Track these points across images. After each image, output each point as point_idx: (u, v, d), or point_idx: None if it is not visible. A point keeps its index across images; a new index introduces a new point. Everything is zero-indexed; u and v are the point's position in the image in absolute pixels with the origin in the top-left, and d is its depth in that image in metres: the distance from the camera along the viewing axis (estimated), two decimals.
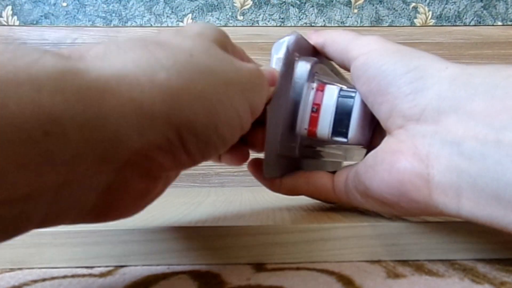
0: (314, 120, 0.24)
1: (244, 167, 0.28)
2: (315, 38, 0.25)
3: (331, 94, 0.23)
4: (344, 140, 0.24)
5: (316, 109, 0.24)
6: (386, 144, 0.20)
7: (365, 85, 0.21)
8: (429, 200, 0.18)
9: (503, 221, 0.16)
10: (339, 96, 0.23)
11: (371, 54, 0.21)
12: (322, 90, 0.24)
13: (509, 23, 0.75)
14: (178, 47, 0.16)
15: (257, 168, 0.26)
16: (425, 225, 0.21)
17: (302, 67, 0.24)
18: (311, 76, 0.24)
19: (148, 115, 0.14)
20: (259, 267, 0.20)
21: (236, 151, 0.26)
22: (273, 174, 0.25)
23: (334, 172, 0.25)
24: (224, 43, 0.19)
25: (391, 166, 0.19)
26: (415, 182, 0.18)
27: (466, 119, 0.17)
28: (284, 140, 0.24)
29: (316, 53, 0.26)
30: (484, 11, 0.75)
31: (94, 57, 0.14)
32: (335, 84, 0.24)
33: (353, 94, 0.23)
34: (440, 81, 0.18)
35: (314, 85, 0.24)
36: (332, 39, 0.24)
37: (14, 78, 0.11)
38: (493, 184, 0.16)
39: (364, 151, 0.26)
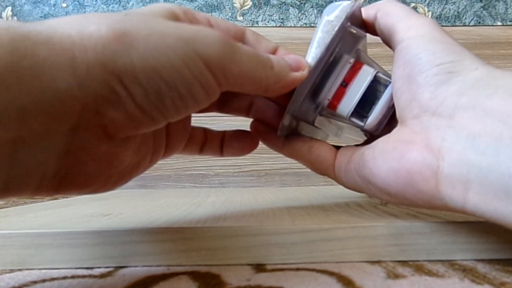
0: (339, 94, 0.23)
1: (244, 168, 0.28)
2: (367, 9, 0.25)
3: (365, 75, 0.23)
4: (361, 124, 0.24)
5: (345, 84, 0.23)
6: (398, 133, 0.21)
7: (400, 69, 0.21)
8: (436, 192, 0.18)
9: (509, 216, 0.16)
10: (373, 80, 0.23)
11: (416, 40, 0.21)
12: (359, 68, 0.23)
13: (509, 23, 0.75)
14: (115, 13, 0.17)
15: (259, 127, 0.26)
16: (425, 225, 0.21)
17: (349, 39, 0.23)
18: (354, 50, 0.23)
19: (83, 63, 0.14)
20: (259, 267, 0.20)
21: (242, 137, 0.26)
22: (284, 133, 0.25)
23: (337, 147, 0.25)
24: (180, 16, 0.19)
25: (401, 155, 0.19)
26: (424, 173, 0.18)
27: (482, 116, 0.17)
28: (305, 103, 0.23)
29: (363, 27, 0.25)
30: (484, 11, 0.75)
31: (29, 22, 0.15)
32: (373, 67, 0.23)
33: (385, 83, 0.23)
34: (465, 80, 0.19)
35: (352, 60, 0.23)
36: (385, 11, 0.23)
37: None
38: (503, 179, 0.16)
39: (357, 138, 0.26)
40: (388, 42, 0.24)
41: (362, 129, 0.24)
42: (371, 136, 0.25)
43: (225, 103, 0.26)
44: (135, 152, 0.19)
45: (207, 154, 0.26)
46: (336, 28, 0.22)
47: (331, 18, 0.22)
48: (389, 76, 0.23)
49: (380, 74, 0.23)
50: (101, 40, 0.15)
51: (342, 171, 0.24)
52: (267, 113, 0.26)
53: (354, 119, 0.24)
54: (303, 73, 0.22)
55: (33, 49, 0.13)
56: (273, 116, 0.26)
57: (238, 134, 0.27)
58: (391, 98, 0.23)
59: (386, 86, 0.23)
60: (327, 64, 0.23)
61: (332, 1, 0.24)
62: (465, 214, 0.18)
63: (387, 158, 0.20)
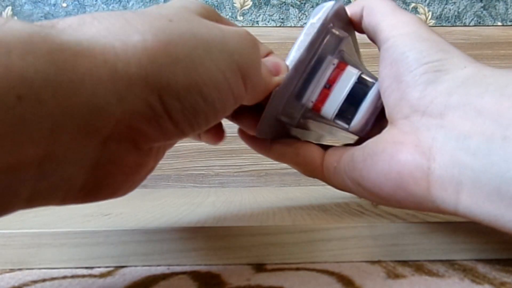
0: (323, 96, 0.23)
1: (244, 168, 0.28)
2: (352, 7, 0.24)
3: (349, 77, 0.23)
4: (345, 126, 0.23)
5: (329, 86, 0.23)
6: (388, 134, 0.20)
7: (387, 68, 0.21)
8: (427, 195, 0.18)
9: (502, 218, 0.16)
10: (357, 81, 0.23)
11: (401, 38, 0.21)
12: (342, 70, 0.23)
13: (509, 23, 0.75)
14: (156, 14, 0.15)
15: (246, 133, 0.26)
16: (425, 225, 0.21)
17: (332, 40, 0.23)
18: (337, 51, 0.23)
19: (124, 78, 0.13)
20: (259, 267, 0.20)
21: (212, 128, 0.26)
22: (264, 136, 0.25)
23: (325, 148, 0.25)
24: (208, 15, 0.19)
25: (391, 157, 0.19)
26: (414, 175, 0.18)
27: (473, 115, 0.17)
28: (288, 105, 0.23)
29: (349, 26, 0.25)
30: (484, 12, 0.75)
31: (67, 26, 0.13)
32: (357, 68, 0.23)
33: (370, 84, 0.23)
34: (454, 78, 0.18)
35: (336, 61, 0.23)
36: (370, 8, 0.23)
37: None
38: (496, 180, 0.15)
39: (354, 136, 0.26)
40: (373, 40, 0.23)
41: (348, 131, 0.24)
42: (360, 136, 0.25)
43: None
44: (156, 157, 0.19)
45: (189, 138, 0.26)
46: (316, 30, 0.22)
47: (314, 21, 0.22)
48: (375, 77, 0.23)
49: (364, 75, 0.23)
50: (146, 52, 0.14)
51: (331, 172, 0.23)
52: (244, 117, 0.25)
53: (338, 121, 0.23)
54: (281, 77, 0.22)
55: (73, 62, 0.12)
56: (251, 119, 0.25)
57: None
58: (377, 99, 0.22)
59: (370, 87, 0.23)
60: (310, 66, 0.23)
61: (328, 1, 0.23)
62: (457, 216, 0.18)
63: (377, 160, 0.20)
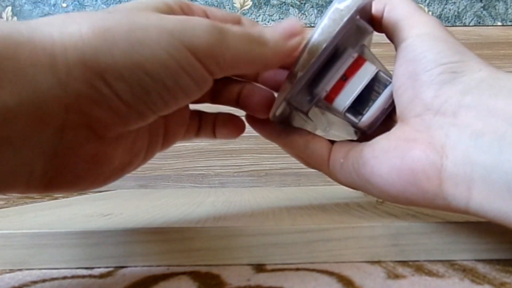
0: (338, 88, 0.23)
1: (244, 168, 0.28)
2: (375, 4, 0.24)
3: (366, 72, 0.23)
4: (355, 121, 0.23)
5: (345, 78, 0.23)
6: (400, 131, 0.20)
7: (403, 66, 0.21)
8: (439, 191, 0.18)
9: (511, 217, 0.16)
10: (373, 78, 0.23)
11: (420, 38, 0.21)
12: (361, 64, 0.23)
13: (509, 23, 0.75)
14: (99, 11, 0.16)
15: (254, 118, 0.26)
16: (425, 225, 0.21)
17: (356, 32, 0.22)
18: (358, 45, 0.23)
19: (62, 63, 0.14)
20: (259, 267, 0.20)
21: (230, 122, 0.26)
22: (275, 119, 0.24)
23: (332, 142, 0.25)
24: (171, 9, 0.19)
25: (404, 153, 0.19)
26: (427, 171, 0.18)
27: (486, 114, 0.17)
28: (302, 91, 0.23)
29: (370, 22, 0.24)
30: (484, 12, 0.75)
31: (15, 22, 0.15)
32: (375, 64, 0.23)
33: (386, 82, 0.23)
34: (469, 80, 0.19)
35: (356, 55, 0.23)
36: (392, 6, 0.23)
37: None
38: (506, 178, 0.16)
39: (345, 136, 0.25)
40: (392, 38, 0.23)
41: (355, 126, 0.24)
42: (362, 135, 0.25)
43: (217, 93, 0.25)
44: (127, 150, 0.19)
45: (201, 138, 0.26)
46: (345, 19, 0.21)
47: (341, 7, 0.21)
48: (390, 76, 0.23)
49: (381, 73, 0.23)
50: (81, 38, 0.15)
51: (337, 168, 0.23)
52: (252, 100, 0.25)
53: (349, 115, 0.23)
54: (300, 38, 0.21)
55: (14, 50, 0.13)
56: (259, 105, 0.25)
57: (226, 119, 0.26)
58: (389, 99, 0.23)
59: (386, 86, 0.23)
60: (329, 55, 0.22)
61: (331, 1, 0.23)
62: (467, 214, 0.18)
63: (389, 157, 0.20)
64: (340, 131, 0.27)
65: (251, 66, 0.19)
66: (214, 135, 0.26)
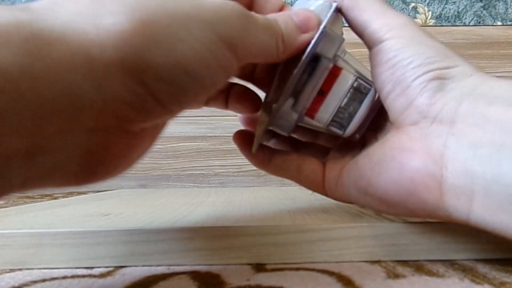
0: (317, 104, 0.22)
1: (244, 168, 0.28)
2: (343, 6, 0.22)
3: (344, 82, 0.21)
4: (340, 133, 0.22)
5: (323, 93, 0.21)
6: (396, 139, 0.20)
7: (387, 72, 0.20)
8: (440, 203, 0.18)
9: None
10: (353, 87, 0.21)
11: (401, 42, 0.20)
12: (337, 75, 0.21)
13: (509, 23, 0.75)
14: None
15: (244, 141, 0.25)
16: (425, 225, 0.21)
17: (328, 42, 0.21)
18: (332, 55, 0.21)
19: (100, 64, 0.13)
20: (259, 267, 0.20)
21: (246, 96, 0.25)
22: (258, 150, 0.24)
23: (323, 158, 0.24)
24: None
25: (402, 164, 0.19)
26: (427, 183, 0.18)
27: (483, 123, 0.17)
28: (283, 113, 0.22)
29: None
30: (484, 11, 0.75)
31: (40, 9, 0.13)
32: (352, 71, 0.22)
33: (365, 91, 0.22)
34: (462, 87, 0.18)
35: (331, 65, 0.21)
36: (359, 6, 0.21)
37: None
38: (507, 190, 0.15)
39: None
40: (364, 39, 0.22)
41: (342, 137, 0.23)
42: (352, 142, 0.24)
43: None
44: (151, 135, 0.19)
45: (212, 106, 0.25)
46: (319, 32, 0.20)
47: (319, 3, 0.21)
48: (370, 81, 0.22)
49: (360, 81, 0.22)
50: (120, 35, 0.13)
51: (333, 186, 0.23)
52: (243, 101, 0.24)
53: (333, 129, 0.22)
54: (311, 34, 0.20)
55: (48, 50, 0.12)
56: (249, 107, 0.24)
57: (241, 92, 0.25)
58: (372, 104, 0.22)
59: (366, 94, 0.22)
60: (303, 73, 0.21)
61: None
62: (469, 225, 0.18)
63: (386, 168, 0.19)
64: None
65: (266, 56, 0.19)
66: (226, 106, 0.25)
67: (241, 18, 0.16)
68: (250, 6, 0.21)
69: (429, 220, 0.21)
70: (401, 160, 0.19)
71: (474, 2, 0.74)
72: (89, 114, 0.13)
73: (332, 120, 0.22)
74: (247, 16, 0.17)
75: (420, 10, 0.74)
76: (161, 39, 0.14)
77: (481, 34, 0.73)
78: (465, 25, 0.74)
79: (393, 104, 0.20)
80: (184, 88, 0.15)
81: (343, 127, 0.22)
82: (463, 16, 0.74)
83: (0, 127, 0.11)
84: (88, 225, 0.22)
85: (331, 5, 0.21)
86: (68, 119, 0.13)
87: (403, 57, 0.19)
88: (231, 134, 0.26)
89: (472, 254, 0.21)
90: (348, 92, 0.22)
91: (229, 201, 0.36)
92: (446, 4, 0.74)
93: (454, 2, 0.74)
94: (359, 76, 0.22)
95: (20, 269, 0.21)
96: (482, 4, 0.74)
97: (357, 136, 0.23)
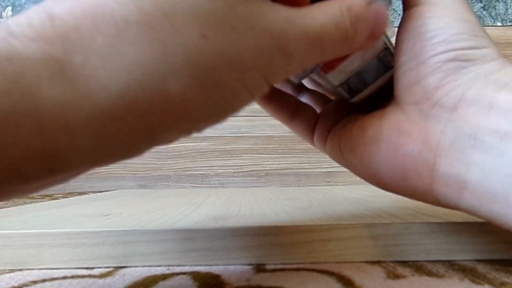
0: (337, 61, 0.20)
1: (244, 168, 0.28)
2: None
3: (371, 49, 0.20)
4: (347, 97, 0.21)
5: None
6: (394, 118, 0.19)
7: (409, 41, 0.18)
8: (429, 190, 0.18)
9: (506, 217, 0.16)
10: (378, 56, 0.20)
11: (434, 8, 0.18)
12: None
13: (509, 23, 0.75)
14: (187, 20, 0.12)
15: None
16: (425, 225, 0.21)
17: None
18: None
19: (159, 132, 0.13)
20: (259, 268, 0.20)
21: None
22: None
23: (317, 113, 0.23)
24: None
25: (396, 148, 0.18)
26: (419, 170, 0.18)
27: (487, 111, 0.16)
28: None
29: None
30: (484, 12, 0.75)
31: (97, 61, 0.11)
32: (384, 39, 0.20)
33: (389, 65, 0.20)
34: (478, 71, 0.17)
35: None
36: None
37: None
38: (505, 180, 0.15)
39: None
40: None
41: (344, 98, 0.22)
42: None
43: None
44: None
45: None
46: None
47: None
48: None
49: (387, 52, 0.20)
50: (185, 103, 0.13)
51: (322, 142, 0.22)
52: None
53: (341, 91, 0.21)
54: (374, 41, 0.18)
55: (111, 127, 0.12)
56: None
57: None
58: (387, 80, 0.21)
59: (388, 67, 0.21)
60: None
61: None
62: (457, 210, 0.18)
63: (380, 148, 0.19)
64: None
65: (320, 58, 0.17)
66: None
67: (297, 53, 0.15)
68: None
69: (429, 220, 0.22)
70: (396, 143, 0.18)
71: (474, 2, 0.74)
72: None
73: (345, 82, 0.21)
74: (305, 46, 0.15)
75: None
76: (217, 96, 0.14)
77: None
78: None
79: (402, 78, 0.19)
80: (216, 122, 0.15)
81: (353, 92, 0.21)
82: None
83: None
84: (88, 225, 0.22)
85: None
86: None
87: (429, 28, 0.18)
88: (231, 134, 0.26)
89: (472, 255, 0.21)
90: (372, 59, 0.20)
91: (229, 201, 0.36)
92: None
93: None
94: (388, 47, 0.21)
95: (20, 269, 0.21)
96: (482, 5, 0.74)
97: (360, 102, 0.22)
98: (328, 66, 0.20)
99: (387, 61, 0.21)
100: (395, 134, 0.18)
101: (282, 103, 0.24)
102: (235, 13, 0.13)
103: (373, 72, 0.21)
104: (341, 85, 0.21)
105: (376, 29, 0.17)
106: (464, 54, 0.17)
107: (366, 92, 0.21)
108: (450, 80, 0.17)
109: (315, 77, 0.22)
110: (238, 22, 0.13)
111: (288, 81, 0.24)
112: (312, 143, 0.24)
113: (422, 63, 0.18)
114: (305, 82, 0.25)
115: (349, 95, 0.22)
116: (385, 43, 0.20)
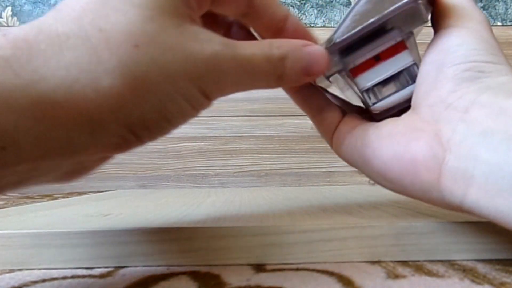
0: (367, 65, 0.22)
1: (244, 168, 0.28)
2: None
3: (402, 60, 0.21)
4: (369, 103, 0.22)
5: (378, 59, 0.21)
6: (409, 118, 0.20)
7: (433, 54, 0.20)
8: (436, 184, 0.18)
9: (510, 214, 0.16)
10: (407, 68, 0.21)
11: (462, 30, 0.20)
12: (400, 50, 0.21)
13: (509, 23, 0.75)
14: (121, 34, 0.15)
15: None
16: (425, 225, 0.21)
17: (411, 17, 0.20)
18: (407, 30, 0.21)
19: (97, 120, 0.15)
20: (259, 267, 0.20)
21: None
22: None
23: (343, 113, 0.24)
24: (189, 10, 0.17)
25: (408, 141, 0.19)
26: (428, 163, 0.18)
27: (498, 114, 0.17)
28: (331, 56, 0.21)
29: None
30: (484, 12, 0.75)
31: (40, 60, 0.14)
32: (414, 55, 0.22)
33: (415, 78, 0.21)
34: (490, 82, 0.19)
35: (399, 39, 0.21)
36: None
37: None
38: (511, 178, 0.16)
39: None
40: (435, 21, 0.22)
41: (367, 106, 0.23)
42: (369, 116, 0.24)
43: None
44: None
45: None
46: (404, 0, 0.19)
47: None
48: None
49: (415, 67, 0.22)
50: (116, 97, 0.15)
51: (339, 142, 0.23)
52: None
53: (366, 95, 0.22)
54: (312, 78, 0.20)
55: (52, 113, 0.14)
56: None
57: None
58: (410, 93, 0.22)
59: (413, 82, 0.22)
60: (373, 29, 0.20)
61: (331, 1, 0.22)
62: (460, 211, 0.18)
63: (392, 142, 0.20)
64: (354, 97, 0.25)
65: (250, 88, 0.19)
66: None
67: (229, 72, 0.17)
68: (247, 14, 0.20)
69: (429, 220, 0.22)
70: (409, 137, 0.19)
71: None
72: (81, 156, 0.15)
73: (371, 88, 0.22)
74: (236, 68, 0.17)
75: None
76: (152, 98, 0.15)
77: None
78: None
79: (421, 85, 0.20)
80: (164, 131, 0.17)
81: (376, 99, 0.22)
82: None
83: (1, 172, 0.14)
84: (88, 225, 0.22)
85: None
86: (61, 159, 0.15)
87: (452, 44, 0.20)
88: (231, 134, 0.26)
89: (472, 255, 0.21)
90: (401, 71, 0.22)
91: (229, 201, 0.36)
92: None
93: None
94: (416, 63, 0.22)
95: (20, 269, 0.21)
96: (482, 5, 0.74)
97: (380, 116, 0.23)
98: (357, 70, 0.22)
99: (414, 74, 0.22)
100: (409, 129, 0.20)
101: (312, 96, 0.25)
102: (168, 31, 0.16)
103: (399, 82, 0.22)
104: (367, 90, 0.22)
105: (310, 68, 0.19)
106: (480, 66, 0.19)
107: (388, 102, 0.22)
108: (464, 87, 0.19)
109: (343, 78, 0.23)
110: (170, 38, 0.16)
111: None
112: (330, 142, 0.25)
113: (441, 72, 0.20)
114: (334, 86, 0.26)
115: (372, 102, 0.23)
116: (414, 58, 0.22)
